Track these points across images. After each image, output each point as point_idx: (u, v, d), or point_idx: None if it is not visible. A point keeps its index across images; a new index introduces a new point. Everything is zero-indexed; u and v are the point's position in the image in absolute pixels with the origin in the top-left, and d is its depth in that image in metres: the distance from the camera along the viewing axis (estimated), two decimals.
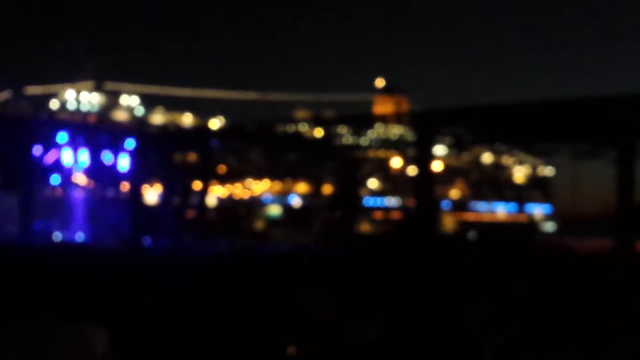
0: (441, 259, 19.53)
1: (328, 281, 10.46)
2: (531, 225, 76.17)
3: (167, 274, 12.77)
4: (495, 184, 77.54)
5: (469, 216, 73.75)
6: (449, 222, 67.89)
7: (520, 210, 78.05)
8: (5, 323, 6.15)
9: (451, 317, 6.97)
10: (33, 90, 63.64)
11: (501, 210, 76.90)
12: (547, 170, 79.22)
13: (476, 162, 75.60)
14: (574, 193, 75.01)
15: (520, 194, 78.78)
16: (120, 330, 6.63)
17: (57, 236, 45.66)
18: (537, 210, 78.91)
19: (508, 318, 7.55)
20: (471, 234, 58.81)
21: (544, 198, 79.38)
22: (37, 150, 47.32)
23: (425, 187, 39.18)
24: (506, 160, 77.79)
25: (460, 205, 73.89)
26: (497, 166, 77.88)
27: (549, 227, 75.82)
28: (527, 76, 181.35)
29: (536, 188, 79.68)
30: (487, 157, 75.92)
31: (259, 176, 65.24)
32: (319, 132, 63.73)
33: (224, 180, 62.69)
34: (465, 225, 70.58)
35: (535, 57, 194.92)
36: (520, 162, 78.88)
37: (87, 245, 40.35)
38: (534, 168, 79.64)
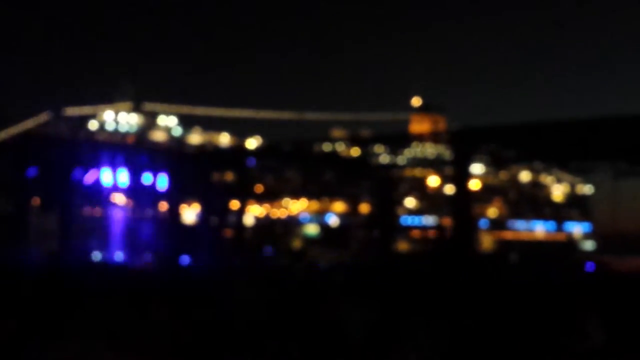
0: (480, 277, 19.43)
1: (367, 297, 10.39)
2: (570, 243, 75.56)
3: (206, 292, 12.79)
4: (533, 203, 77.01)
5: (507, 235, 73.27)
6: (487, 241, 67.42)
7: (559, 228, 77.45)
8: (45, 342, 6.16)
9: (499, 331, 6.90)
10: (72, 111, 64.22)
11: (540, 229, 76.32)
12: (586, 189, 78.61)
13: (514, 180, 75.19)
14: (613, 211, 74.30)
15: (558, 213, 78.18)
16: (157, 345, 6.63)
17: (96, 255, 45.88)
18: (576, 228, 78.26)
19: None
20: (511, 254, 58.36)
21: (583, 216, 78.74)
22: (76, 170, 47.69)
23: (463, 206, 38.92)
24: (544, 178, 77.30)
25: (498, 224, 73.43)
26: (535, 184, 77.37)
27: (588, 245, 75.13)
28: (566, 94, 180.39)
29: (575, 206, 79.07)
30: (525, 176, 75.49)
31: (296, 195, 65.31)
32: (355, 151, 63.74)
33: (261, 199, 62.79)
34: (503, 244, 70.11)
35: (574, 76, 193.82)
36: (559, 181, 78.37)
37: (126, 265, 40.51)
38: (573, 186, 79.07)
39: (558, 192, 79.58)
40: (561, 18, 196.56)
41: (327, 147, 63.17)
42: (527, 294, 11.88)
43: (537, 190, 78.28)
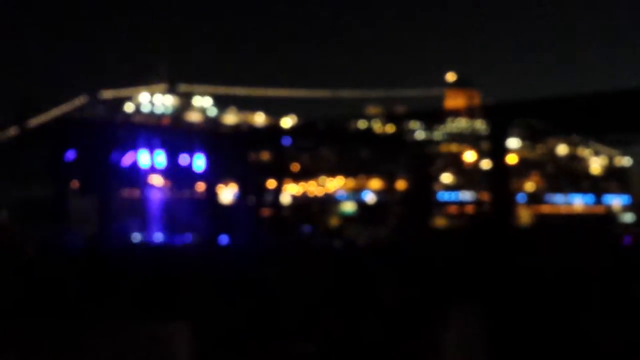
0: (521, 252, 19.26)
1: (408, 275, 10.39)
2: (610, 216, 75.00)
3: (247, 271, 12.82)
4: (571, 176, 76.50)
5: (545, 209, 72.89)
6: (524, 215, 67.10)
7: (598, 201, 76.90)
8: (91, 322, 6.21)
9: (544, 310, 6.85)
10: (108, 94, 64.52)
11: (578, 202, 75.83)
12: (625, 161, 77.96)
13: (551, 154, 74.71)
14: None
15: (597, 185, 77.63)
16: (201, 328, 6.66)
17: (136, 237, 46.28)
18: (615, 201, 77.64)
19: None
20: (549, 228, 58.04)
21: (622, 189, 78.10)
22: (114, 153, 48.02)
23: (500, 181, 38.78)
24: (582, 151, 76.75)
25: (535, 198, 73.03)
26: (572, 158, 76.85)
27: (628, 218, 74.50)
28: (602, 66, 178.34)
29: (613, 179, 78.43)
30: (562, 149, 74.99)
31: (332, 173, 65.33)
32: (390, 128, 63.61)
33: (297, 178, 62.89)
34: (541, 218, 69.76)
35: (610, 47, 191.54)
36: (597, 153, 77.74)
37: (165, 245, 40.80)
38: (611, 159, 78.41)
39: (596, 164, 78.98)
40: None
41: (362, 124, 63.16)
42: (567, 272, 11.77)
43: (575, 164, 77.75)
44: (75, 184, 48.45)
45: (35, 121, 50.93)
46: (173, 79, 68.44)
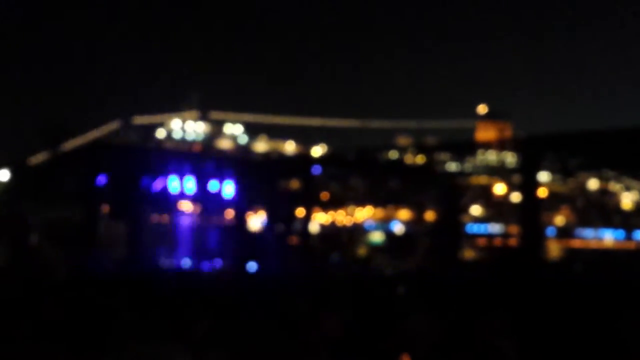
0: (550, 285, 19.18)
1: (435, 306, 10.35)
2: None
3: (275, 298, 12.82)
4: (602, 211, 76.06)
5: (575, 243, 72.43)
6: (554, 249, 66.74)
7: (629, 237, 76.30)
8: (119, 346, 6.25)
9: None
10: (141, 120, 65.27)
11: (608, 237, 75.28)
12: None
13: (582, 188, 74.40)
14: None
15: (628, 221, 77.09)
16: (229, 352, 6.68)
17: (164, 262, 46.47)
18: None
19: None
20: (578, 263, 57.65)
21: None
22: (145, 178, 48.26)
23: (530, 214, 38.54)
24: (613, 186, 76.36)
25: (565, 232, 72.67)
26: (603, 192, 76.46)
27: None
28: (634, 101, 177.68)
29: None
30: (593, 183, 74.67)
31: (361, 203, 65.37)
32: (421, 159, 63.64)
33: (326, 207, 62.96)
34: (571, 253, 69.33)
35: None
36: (628, 188, 77.32)
37: (194, 271, 40.91)
38: None
39: (627, 200, 78.51)
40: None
41: (392, 154, 63.16)
42: (598, 303, 11.68)
43: (606, 198, 77.32)
44: (106, 208, 48.76)
45: (68, 145, 51.43)
46: (205, 106, 69.27)
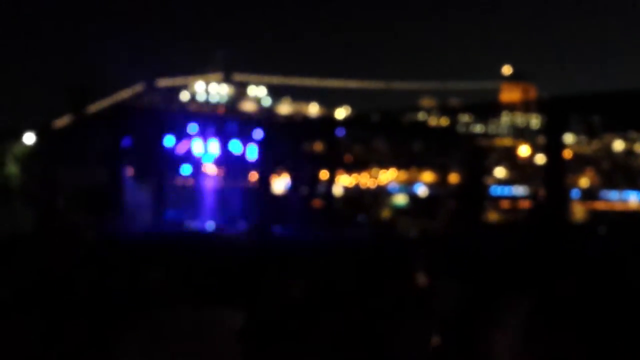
0: (575, 247, 19.15)
1: (459, 269, 10.38)
2: None
3: (298, 260, 12.88)
4: (627, 172, 75.66)
5: (600, 205, 72.14)
6: (578, 211, 66.53)
7: None
8: (148, 307, 6.34)
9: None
10: (164, 82, 65.28)
11: (633, 199, 74.91)
12: None
13: (607, 149, 73.98)
14: None
15: None
16: (253, 313, 6.76)
17: (189, 224, 46.74)
18: None
19: None
20: (603, 225, 57.44)
21: None
22: (168, 141, 48.38)
23: (555, 176, 38.46)
24: (639, 147, 75.87)
25: (590, 194, 72.35)
26: (629, 153, 76.02)
27: None
28: None
29: None
30: (618, 145, 74.21)
31: (384, 165, 65.35)
32: (444, 121, 63.43)
33: (350, 169, 63.01)
34: (596, 215, 69.08)
35: None
36: None
37: (218, 233, 41.10)
38: None
39: None
40: None
41: (415, 116, 62.99)
42: (622, 268, 11.65)
43: (631, 160, 76.85)
44: (130, 171, 49.00)
45: (93, 108, 51.61)
46: (228, 68, 69.09)
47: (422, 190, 65.18)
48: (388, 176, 65.50)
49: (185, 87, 66.74)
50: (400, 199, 64.59)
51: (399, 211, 62.22)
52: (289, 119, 64.64)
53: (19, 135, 44.20)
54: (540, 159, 54.16)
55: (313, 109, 68.39)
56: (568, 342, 6.44)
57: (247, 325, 6.00)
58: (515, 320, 7.01)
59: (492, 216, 62.21)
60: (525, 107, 66.03)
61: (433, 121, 63.79)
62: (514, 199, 67.06)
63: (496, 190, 66.95)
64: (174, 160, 48.76)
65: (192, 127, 49.59)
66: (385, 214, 61.02)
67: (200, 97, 66.80)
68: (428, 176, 65.45)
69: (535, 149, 62.79)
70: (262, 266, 13.47)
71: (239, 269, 12.61)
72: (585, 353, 6.48)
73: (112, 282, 7.85)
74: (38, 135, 45.72)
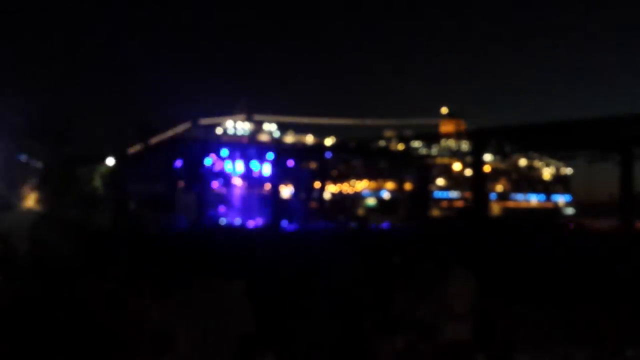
0: (491, 235, 19.16)
1: (414, 246, 10.35)
2: (556, 210, 74.15)
3: (300, 246, 12.88)
4: (529, 181, 75.79)
5: (510, 204, 72.24)
6: (495, 209, 66.56)
7: (548, 199, 76.02)
8: (188, 281, 6.23)
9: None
10: (205, 121, 65.13)
11: (533, 200, 75.02)
12: (567, 170, 77.08)
13: (515, 165, 74.06)
14: (587, 186, 72.79)
15: (547, 188, 76.78)
16: (258, 286, 6.59)
17: (222, 221, 46.48)
18: (560, 199, 76.71)
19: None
20: (512, 218, 57.41)
21: (565, 190, 77.20)
22: (207, 162, 48.33)
23: (478, 184, 38.48)
24: (537, 163, 76.00)
25: (503, 196, 72.41)
26: (530, 168, 76.12)
27: (569, 211, 73.65)
28: (555, 100, 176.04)
29: (559, 183, 77.56)
30: (522, 162, 74.29)
31: (359, 177, 65.27)
32: (401, 146, 63.32)
33: (335, 180, 62.93)
34: (507, 211, 69.15)
35: (560, 86, 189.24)
36: (547, 165, 76.91)
37: (242, 227, 40.86)
38: (557, 169, 77.53)
39: (547, 173, 78.14)
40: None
41: (381, 143, 62.98)
42: (529, 249, 11.69)
43: (532, 172, 76.98)
44: (181, 183, 48.83)
45: (154, 140, 51.49)
46: (249, 111, 68.92)
47: (386, 195, 65.15)
48: (362, 185, 65.47)
49: (219, 124, 66.58)
50: (371, 201, 64.56)
51: (370, 209, 62.19)
52: (292, 146, 64.64)
53: (102, 159, 44.02)
54: (468, 172, 54.17)
55: (309, 139, 68.27)
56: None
57: (250, 288, 5.93)
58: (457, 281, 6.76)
59: (435, 212, 62.13)
60: (457, 136, 65.95)
61: (393, 147, 63.68)
62: (450, 200, 67.06)
63: (437, 194, 66.94)
64: (211, 175, 48.75)
65: (224, 152, 49.58)
66: (361, 211, 60.94)
67: (230, 131, 66.58)
68: (390, 185, 65.41)
69: (465, 165, 62.74)
70: (274, 249, 13.43)
71: (257, 251, 12.56)
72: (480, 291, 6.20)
73: (169, 259, 7.82)
74: (116, 159, 45.54)
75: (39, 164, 41.73)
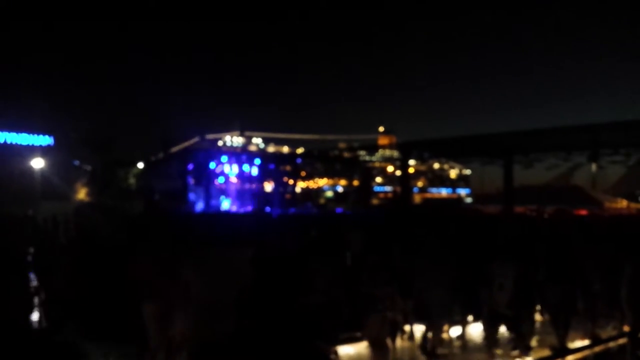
0: (414, 217, 19.35)
1: (360, 227, 10.36)
2: (459, 199, 75.23)
3: (280, 226, 12.87)
4: (440, 179, 76.74)
5: (428, 195, 73.06)
6: (417, 199, 67.29)
7: (453, 192, 77.12)
8: (202, 251, 6.16)
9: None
10: (210, 136, 64.47)
11: (444, 192, 76.04)
12: (467, 171, 78.25)
13: (430, 167, 74.90)
14: (481, 182, 74.01)
15: (453, 184, 77.87)
16: (259, 253, 6.37)
17: (223, 207, 46.18)
18: (462, 192, 77.86)
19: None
20: (429, 205, 57.98)
21: (466, 185, 78.36)
22: (212, 165, 48.00)
23: (405, 181, 38.81)
24: (446, 166, 76.98)
25: (422, 190, 73.23)
26: (441, 169, 77.06)
27: (469, 200, 74.79)
28: (460, 116, 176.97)
29: (462, 180, 78.68)
30: (436, 165, 75.18)
31: (321, 176, 65.33)
32: (350, 154, 63.64)
33: (303, 179, 62.90)
34: (426, 200, 69.92)
35: (466, 106, 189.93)
36: (452, 167, 77.96)
37: (237, 212, 40.71)
38: (460, 170, 78.67)
39: (453, 173, 79.18)
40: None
41: (336, 152, 63.13)
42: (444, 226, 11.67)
43: (442, 172, 77.95)
44: (192, 180, 48.36)
45: (173, 149, 50.91)
46: (242, 129, 68.40)
47: (340, 189, 65.37)
48: (323, 182, 65.55)
49: (220, 138, 65.98)
50: (329, 194, 64.71)
51: (328, 199, 62.31)
52: (273, 154, 64.46)
53: (135, 163, 43.35)
54: (398, 172, 54.64)
55: (285, 149, 68.09)
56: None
57: (255, 256, 5.88)
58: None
59: (375, 202, 62.55)
60: (390, 147, 66.59)
61: (345, 154, 64.04)
62: (385, 192, 67.59)
63: (376, 188, 67.41)
64: (214, 175, 48.43)
65: (224, 158, 49.27)
66: (322, 201, 61.01)
67: (228, 143, 66.03)
68: (343, 182, 65.61)
69: (396, 168, 63.29)
70: (263, 227, 13.36)
71: (249, 229, 12.52)
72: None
73: (185, 234, 7.74)
74: (144, 163, 44.90)
75: (88, 167, 40.94)
